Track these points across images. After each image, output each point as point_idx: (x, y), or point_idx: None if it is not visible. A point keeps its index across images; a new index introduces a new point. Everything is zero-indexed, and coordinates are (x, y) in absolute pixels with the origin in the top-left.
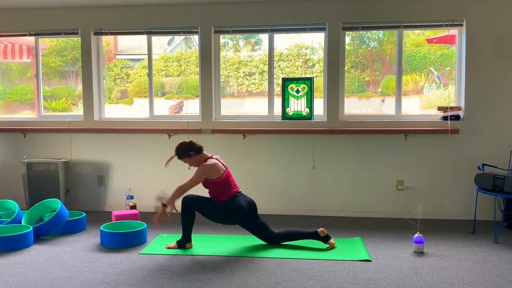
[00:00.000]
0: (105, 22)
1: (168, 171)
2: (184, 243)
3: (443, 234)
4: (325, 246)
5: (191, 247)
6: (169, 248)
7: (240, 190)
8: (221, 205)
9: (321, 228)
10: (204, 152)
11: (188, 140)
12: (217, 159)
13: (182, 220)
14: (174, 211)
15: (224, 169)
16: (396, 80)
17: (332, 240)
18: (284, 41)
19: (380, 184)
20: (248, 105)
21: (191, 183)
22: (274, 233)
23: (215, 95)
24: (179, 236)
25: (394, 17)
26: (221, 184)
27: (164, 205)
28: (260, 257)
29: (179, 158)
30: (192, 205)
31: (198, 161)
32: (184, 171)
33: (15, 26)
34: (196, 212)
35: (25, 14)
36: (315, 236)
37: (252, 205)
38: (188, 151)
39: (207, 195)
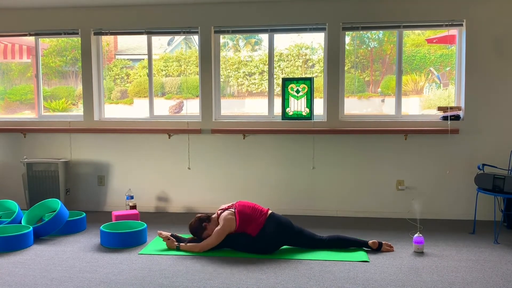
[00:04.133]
0: (105, 22)
1: (168, 171)
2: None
3: (443, 234)
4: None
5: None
6: (160, 234)
7: (269, 211)
8: (254, 238)
9: (372, 240)
10: (212, 216)
11: (195, 217)
12: (225, 209)
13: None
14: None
15: (234, 213)
16: (396, 80)
17: (386, 246)
18: (284, 41)
19: (380, 184)
20: (248, 105)
21: (210, 244)
22: (323, 238)
23: (215, 95)
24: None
25: (394, 17)
26: (242, 224)
27: (178, 247)
28: (260, 257)
29: (198, 237)
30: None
31: (214, 226)
32: (185, 171)
33: (15, 26)
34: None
35: (25, 14)
36: (366, 246)
37: (283, 224)
38: (201, 225)
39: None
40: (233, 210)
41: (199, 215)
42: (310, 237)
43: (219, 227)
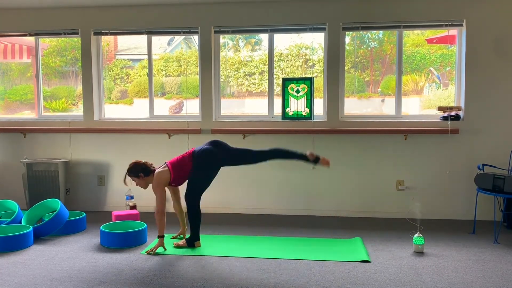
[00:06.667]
0: (105, 22)
1: None
2: (193, 241)
3: (443, 234)
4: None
5: (200, 246)
6: (177, 246)
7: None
8: (195, 171)
9: (310, 152)
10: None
11: (143, 162)
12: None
13: (189, 219)
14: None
15: (167, 168)
16: (396, 80)
17: (324, 158)
18: (284, 41)
19: (380, 184)
20: (248, 105)
21: (159, 202)
22: (265, 150)
23: (215, 95)
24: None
25: (394, 17)
26: (176, 171)
27: (161, 236)
28: (260, 258)
29: (130, 176)
30: (190, 197)
31: (147, 183)
32: None
33: (15, 26)
34: (200, 208)
35: (25, 14)
36: (304, 157)
37: (215, 143)
38: (137, 172)
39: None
40: (164, 164)
41: (147, 163)
42: (243, 152)
43: (154, 182)
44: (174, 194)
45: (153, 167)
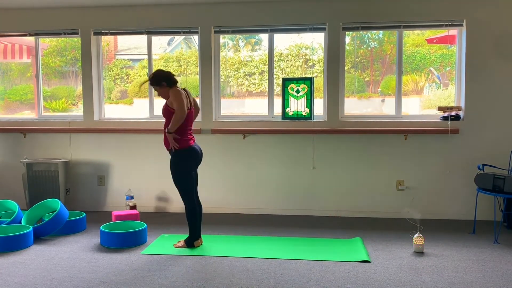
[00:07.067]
0: (105, 22)
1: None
2: (192, 241)
3: (443, 234)
4: None
5: (200, 244)
6: (177, 247)
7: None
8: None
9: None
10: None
11: (167, 71)
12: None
13: (187, 218)
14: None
15: (189, 106)
16: (396, 80)
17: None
18: (284, 41)
19: (380, 184)
20: (248, 105)
21: (180, 111)
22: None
23: (215, 95)
24: (180, 236)
25: (394, 17)
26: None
27: (170, 132)
28: (260, 258)
29: (151, 84)
30: (184, 197)
31: (167, 94)
32: None
33: (15, 26)
34: (197, 205)
35: (25, 14)
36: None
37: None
38: (161, 81)
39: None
40: (189, 105)
41: (171, 73)
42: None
43: (172, 94)
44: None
45: (175, 79)
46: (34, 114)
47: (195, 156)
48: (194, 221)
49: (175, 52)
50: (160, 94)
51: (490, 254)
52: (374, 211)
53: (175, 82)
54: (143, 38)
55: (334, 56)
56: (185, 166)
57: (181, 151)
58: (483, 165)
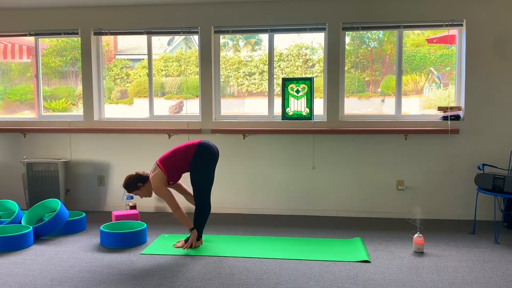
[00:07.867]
0: (105, 22)
1: None
2: (199, 237)
3: (443, 234)
4: None
5: (200, 245)
6: (177, 247)
7: (200, 141)
8: (195, 170)
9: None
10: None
11: (135, 174)
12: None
13: (195, 216)
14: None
15: (159, 168)
16: (396, 80)
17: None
18: (284, 41)
19: (380, 184)
20: (248, 105)
21: (170, 202)
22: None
23: (215, 95)
24: (180, 236)
25: (394, 17)
26: (173, 175)
27: (192, 229)
28: (260, 258)
29: (129, 192)
30: (199, 197)
31: (146, 190)
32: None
33: (15, 26)
34: (210, 207)
35: (25, 14)
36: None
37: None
38: (136, 185)
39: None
40: (154, 165)
41: (139, 172)
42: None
43: (154, 188)
44: (179, 189)
45: (146, 173)
46: (34, 114)
47: (207, 150)
48: (204, 221)
49: (175, 52)
50: (144, 194)
51: (490, 254)
52: (374, 211)
53: (147, 176)
54: (143, 38)
55: (334, 56)
56: (202, 164)
57: (196, 153)
58: (483, 165)
